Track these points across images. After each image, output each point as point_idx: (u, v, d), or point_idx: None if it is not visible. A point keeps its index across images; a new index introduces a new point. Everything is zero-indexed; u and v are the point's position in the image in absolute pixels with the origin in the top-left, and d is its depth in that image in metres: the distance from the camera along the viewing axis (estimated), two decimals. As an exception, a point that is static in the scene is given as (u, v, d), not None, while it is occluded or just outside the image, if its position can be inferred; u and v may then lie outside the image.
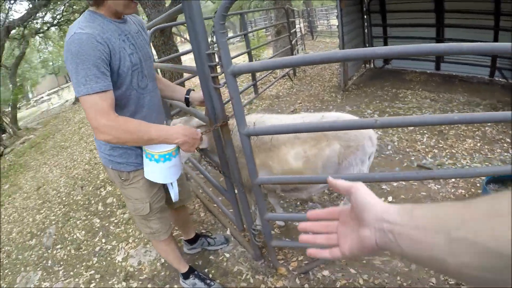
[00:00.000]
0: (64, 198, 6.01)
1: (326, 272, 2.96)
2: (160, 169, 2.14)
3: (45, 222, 5.31)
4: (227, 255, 3.41)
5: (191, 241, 3.46)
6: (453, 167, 4.39)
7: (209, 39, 2.05)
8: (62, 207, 5.66)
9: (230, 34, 32.56)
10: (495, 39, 7.26)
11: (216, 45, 2.01)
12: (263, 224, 2.71)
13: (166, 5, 6.12)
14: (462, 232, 0.52)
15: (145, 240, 3.93)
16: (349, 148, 2.74)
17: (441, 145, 4.95)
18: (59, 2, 14.60)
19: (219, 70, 2.14)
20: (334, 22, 22.34)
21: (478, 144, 4.88)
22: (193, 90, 2.63)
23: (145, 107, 2.18)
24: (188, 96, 2.58)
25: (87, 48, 1.71)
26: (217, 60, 2.09)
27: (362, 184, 0.81)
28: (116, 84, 1.94)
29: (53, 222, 5.20)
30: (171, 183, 2.33)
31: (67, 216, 5.22)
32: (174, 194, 2.33)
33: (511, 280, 0.46)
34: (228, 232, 3.73)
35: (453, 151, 4.78)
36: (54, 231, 4.88)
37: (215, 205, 4.17)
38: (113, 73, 1.90)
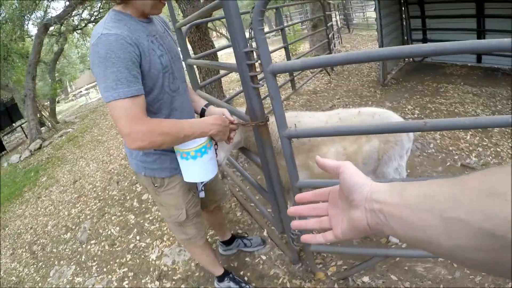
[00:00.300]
0: (99, 193, 6.05)
1: (366, 278, 2.83)
2: (200, 166, 2.00)
3: (80, 217, 5.36)
4: (264, 258, 3.32)
5: (227, 242, 3.38)
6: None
7: (247, 35, 1.94)
8: (98, 202, 5.70)
9: (266, 29, 32.62)
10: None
11: (254, 42, 1.89)
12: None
13: (201, 0, 6.02)
14: (455, 212, 0.49)
15: (180, 239, 3.86)
16: (388, 143, 2.76)
17: (485, 143, 4.74)
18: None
19: (258, 68, 2.02)
20: (371, 14, 22.14)
21: (526, 143, 4.62)
22: (212, 105, 2.45)
23: (177, 110, 2.06)
24: (205, 108, 2.38)
25: (116, 50, 1.58)
26: (255, 58, 1.96)
27: (350, 163, 0.78)
28: (148, 88, 1.81)
29: (88, 217, 5.24)
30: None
31: (102, 211, 5.25)
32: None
33: (507, 262, 0.44)
34: (265, 234, 3.63)
35: (498, 149, 4.57)
36: (89, 226, 4.92)
37: (252, 204, 4.07)
38: (144, 77, 1.76)
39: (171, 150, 2.09)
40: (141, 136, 1.62)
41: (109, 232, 4.60)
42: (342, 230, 0.76)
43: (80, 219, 5.26)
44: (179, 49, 2.46)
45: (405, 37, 9.54)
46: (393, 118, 2.80)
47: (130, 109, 1.61)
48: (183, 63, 2.58)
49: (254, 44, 1.91)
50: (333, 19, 14.86)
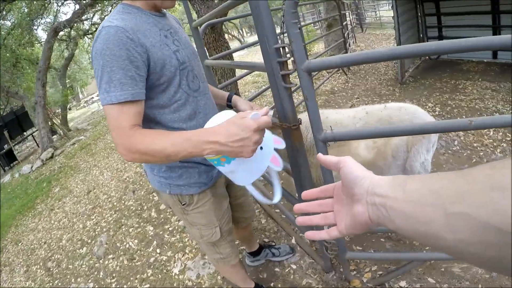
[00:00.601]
0: (115, 203, 5.91)
1: (403, 283, 2.72)
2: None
3: (96, 229, 5.21)
4: (294, 267, 3.16)
5: (254, 253, 3.21)
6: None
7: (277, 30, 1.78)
8: (114, 213, 5.55)
9: (278, 31, 33.48)
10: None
11: (285, 37, 1.73)
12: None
13: (216, 0, 5.88)
14: (460, 206, 0.48)
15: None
16: (416, 137, 2.82)
17: (509, 139, 4.68)
18: (106, 3, 14.75)
19: (290, 66, 1.83)
20: (383, 13, 22.76)
21: (549, 137, 4.63)
22: (235, 94, 2.23)
23: (201, 113, 1.82)
24: (230, 103, 2.17)
25: (112, 46, 1.39)
26: (288, 55, 1.77)
27: (350, 158, 0.79)
28: (163, 87, 1.61)
29: (104, 230, 5.09)
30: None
31: (119, 223, 5.09)
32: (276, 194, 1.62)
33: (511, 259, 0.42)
34: (293, 241, 3.46)
35: None
36: (106, 240, 4.76)
37: (277, 210, 3.92)
38: (156, 74, 1.55)
39: (198, 161, 1.87)
40: (122, 151, 1.42)
41: (127, 246, 4.44)
42: (346, 226, 0.77)
43: (96, 232, 5.12)
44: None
45: (421, 35, 9.61)
46: (419, 112, 2.88)
47: (117, 118, 1.41)
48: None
49: (285, 40, 1.75)
50: (347, 18, 14.89)
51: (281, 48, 1.77)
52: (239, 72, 5.89)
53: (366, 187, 0.69)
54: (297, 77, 1.80)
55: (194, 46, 1.96)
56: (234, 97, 2.19)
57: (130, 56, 1.41)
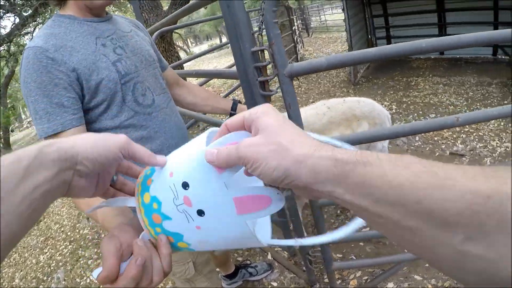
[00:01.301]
0: (69, 233, 5.49)
1: (390, 284, 2.71)
2: None
3: (51, 264, 4.79)
4: (275, 284, 3.02)
5: (231, 276, 3.01)
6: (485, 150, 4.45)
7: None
8: (68, 244, 5.15)
9: (224, 39, 33.70)
10: (495, 19, 7.68)
11: (260, 38, 1.58)
12: (324, 248, 2.30)
13: (164, 8, 5.67)
14: (473, 244, 0.32)
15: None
16: (375, 125, 3.07)
17: (467, 130, 4.94)
18: (47, 16, 14.16)
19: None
20: (328, 17, 24.06)
21: (502, 124, 4.98)
22: (240, 102, 2.01)
23: (159, 132, 1.54)
24: (234, 112, 1.95)
25: (33, 71, 1.22)
26: (266, 59, 1.60)
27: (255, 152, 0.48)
28: (103, 107, 1.37)
29: (60, 264, 4.68)
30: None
31: (76, 255, 4.70)
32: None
33: None
34: (269, 257, 3.31)
35: (480, 134, 4.83)
36: (63, 276, 4.35)
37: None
38: (91, 94, 1.34)
39: None
40: None
41: (88, 281, 4.07)
42: None
43: (52, 267, 4.69)
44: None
45: (369, 36, 10.04)
46: (375, 104, 3.16)
47: None
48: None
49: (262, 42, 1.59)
50: (295, 23, 15.12)
51: (259, 52, 1.60)
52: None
53: (296, 184, 0.46)
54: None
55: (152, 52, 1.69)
56: (240, 107, 1.97)
57: (53, 79, 1.24)
